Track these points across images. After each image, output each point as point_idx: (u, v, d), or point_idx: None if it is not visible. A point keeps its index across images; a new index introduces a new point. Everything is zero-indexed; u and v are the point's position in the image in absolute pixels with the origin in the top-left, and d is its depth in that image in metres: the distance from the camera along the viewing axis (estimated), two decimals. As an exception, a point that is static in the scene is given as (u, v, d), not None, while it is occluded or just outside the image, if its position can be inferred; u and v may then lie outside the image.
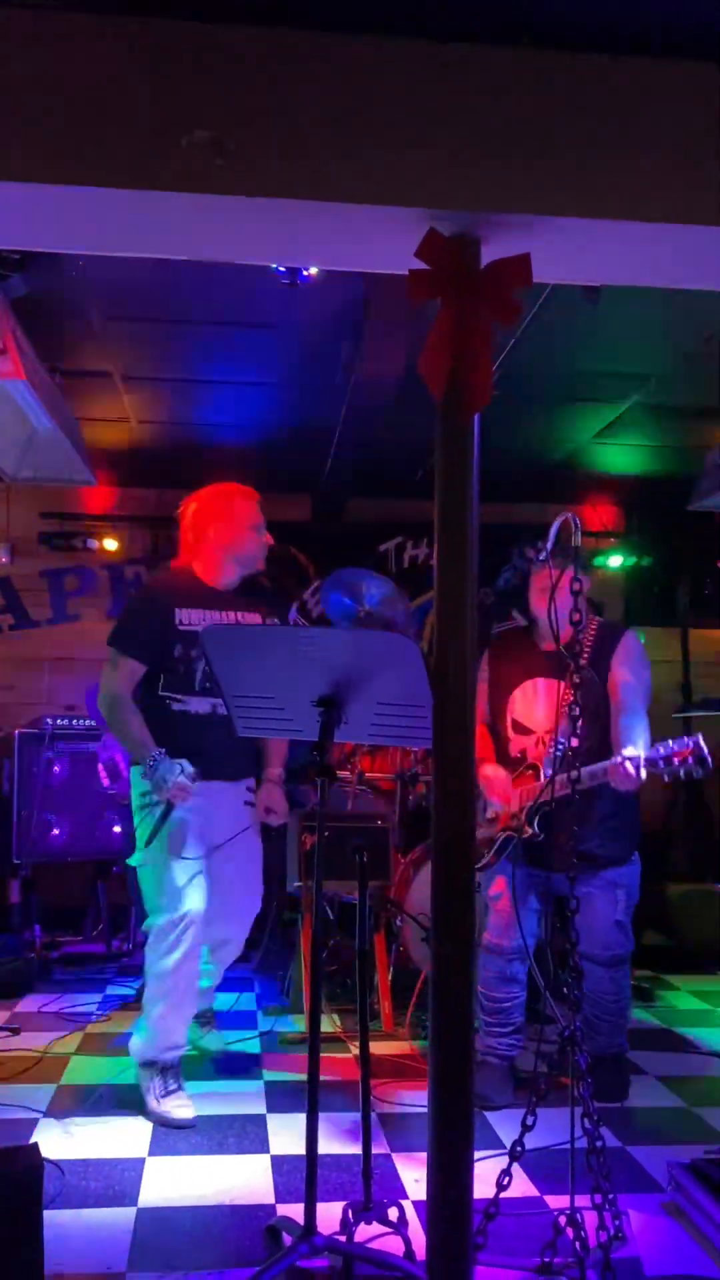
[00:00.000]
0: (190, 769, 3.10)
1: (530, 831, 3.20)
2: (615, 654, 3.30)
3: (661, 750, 2.92)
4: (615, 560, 6.36)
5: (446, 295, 2.15)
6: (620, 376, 4.47)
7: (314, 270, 3.15)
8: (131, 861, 3.29)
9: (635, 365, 4.34)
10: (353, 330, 3.87)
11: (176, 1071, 3.20)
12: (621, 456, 5.68)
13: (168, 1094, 3.14)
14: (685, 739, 2.90)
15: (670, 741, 2.93)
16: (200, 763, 3.16)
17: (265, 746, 3.48)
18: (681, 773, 2.88)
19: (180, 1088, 3.17)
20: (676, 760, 2.87)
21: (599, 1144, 2.31)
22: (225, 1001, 4.25)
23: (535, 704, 3.37)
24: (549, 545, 2.49)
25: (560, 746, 3.12)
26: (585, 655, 3.22)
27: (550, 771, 3.14)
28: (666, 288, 2.57)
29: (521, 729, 3.40)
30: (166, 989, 3.14)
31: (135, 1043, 3.24)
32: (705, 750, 2.87)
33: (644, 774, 2.91)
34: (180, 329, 4.08)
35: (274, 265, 3.10)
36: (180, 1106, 3.11)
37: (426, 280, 2.14)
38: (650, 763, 2.91)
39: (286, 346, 4.20)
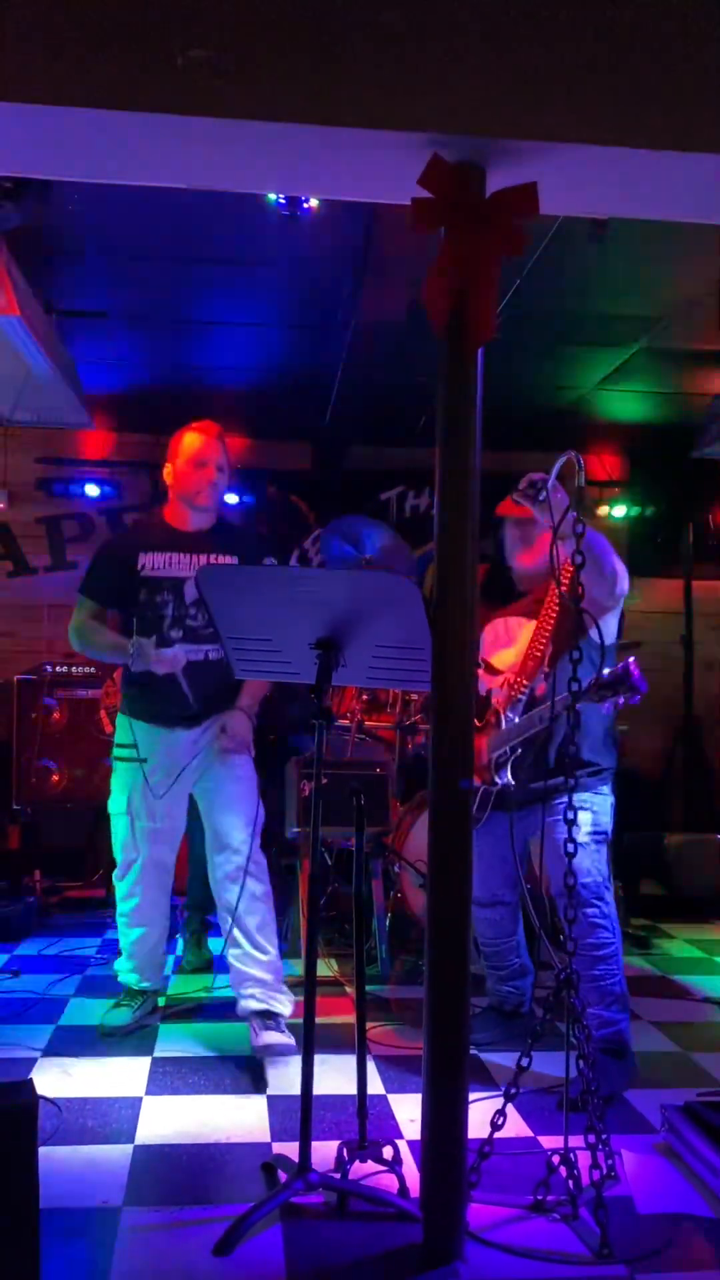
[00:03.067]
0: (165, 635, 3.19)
1: (500, 781, 3.07)
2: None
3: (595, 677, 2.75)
4: (618, 510, 6.30)
5: (451, 224, 2.09)
6: (625, 320, 4.39)
7: (314, 202, 3.07)
8: (109, 808, 3.41)
9: (642, 307, 4.26)
10: (355, 268, 3.79)
11: (132, 993, 3.42)
12: (626, 403, 5.61)
13: (116, 1005, 3.40)
14: (618, 665, 2.75)
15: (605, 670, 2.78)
16: (167, 708, 3.25)
17: (241, 692, 3.37)
18: (621, 700, 2.73)
19: (126, 1005, 3.38)
20: (608, 690, 2.72)
21: (593, 1086, 2.32)
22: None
23: (506, 644, 3.21)
24: (550, 484, 2.44)
25: (527, 692, 3.05)
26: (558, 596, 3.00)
27: (511, 717, 3.06)
28: (677, 222, 2.50)
29: (490, 669, 3.22)
30: (126, 928, 3.39)
31: (116, 964, 3.49)
32: (637, 674, 2.71)
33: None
34: (179, 267, 4.00)
35: (273, 196, 3.02)
36: (112, 1016, 3.35)
37: (430, 209, 2.08)
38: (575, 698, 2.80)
39: (287, 285, 4.12)
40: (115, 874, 3.41)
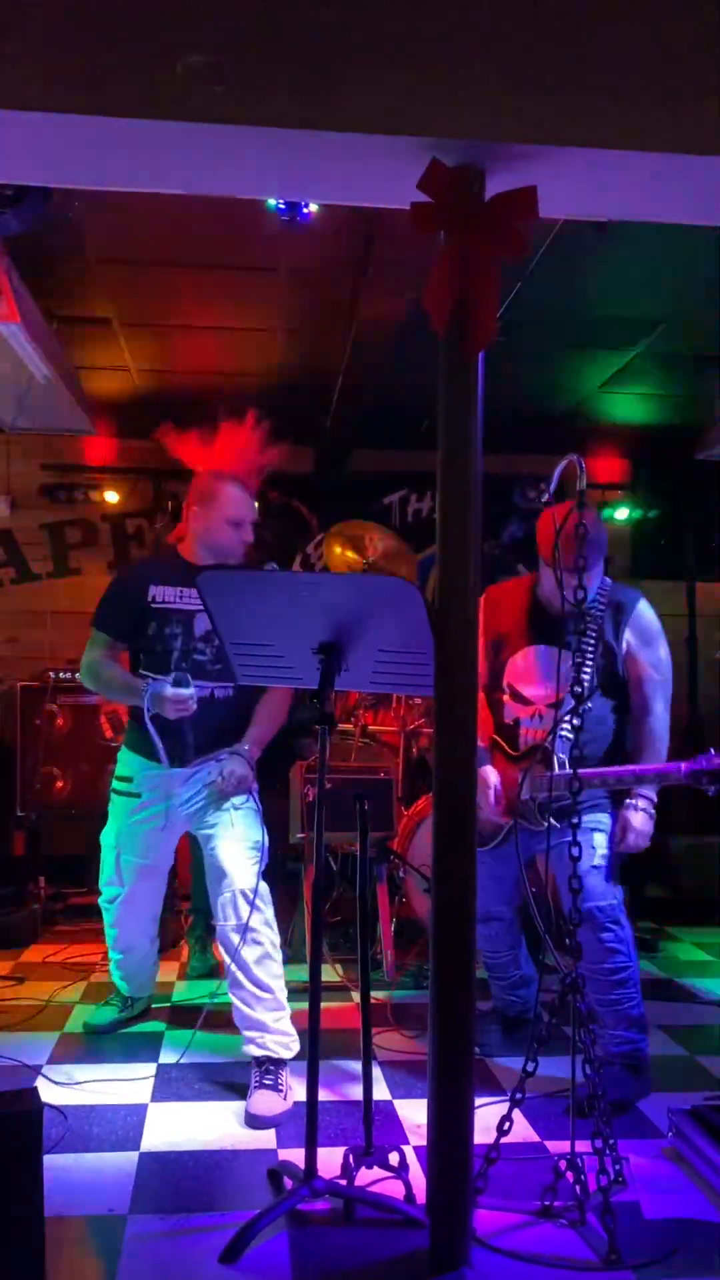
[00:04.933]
0: (181, 677, 3.05)
1: (547, 824, 2.91)
2: (630, 630, 3.03)
3: (705, 763, 2.71)
4: (621, 513, 6.30)
5: (450, 228, 2.09)
6: (628, 322, 4.39)
7: (314, 207, 3.08)
8: (100, 837, 3.38)
9: (644, 310, 4.25)
10: (355, 272, 3.79)
11: (121, 996, 3.56)
12: (628, 406, 5.60)
13: (105, 1003, 3.58)
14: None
15: (713, 753, 2.73)
16: (172, 744, 3.12)
17: (251, 724, 3.22)
18: (711, 790, 2.69)
19: (114, 1004, 3.56)
20: (710, 778, 2.69)
21: (600, 1090, 2.31)
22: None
23: (536, 672, 3.09)
24: (552, 488, 2.44)
25: (567, 728, 2.92)
26: (594, 624, 3.00)
27: (561, 755, 2.92)
28: (678, 225, 2.50)
29: (520, 698, 3.13)
30: (112, 949, 3.46)
31: (110, 967, 3.58)
32: None
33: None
34: (180, 273, 4.00)
35: (272, 202, 3.03)
36: (97, 1014, 3.53)
37: (430, 213, 2.09)
38: (693, 776, 2.72)
39: (288, 290, 4.12)
40: (101, 899, 3.40)
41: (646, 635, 3.06)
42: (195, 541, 3.25)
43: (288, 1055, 2.97)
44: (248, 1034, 2.99)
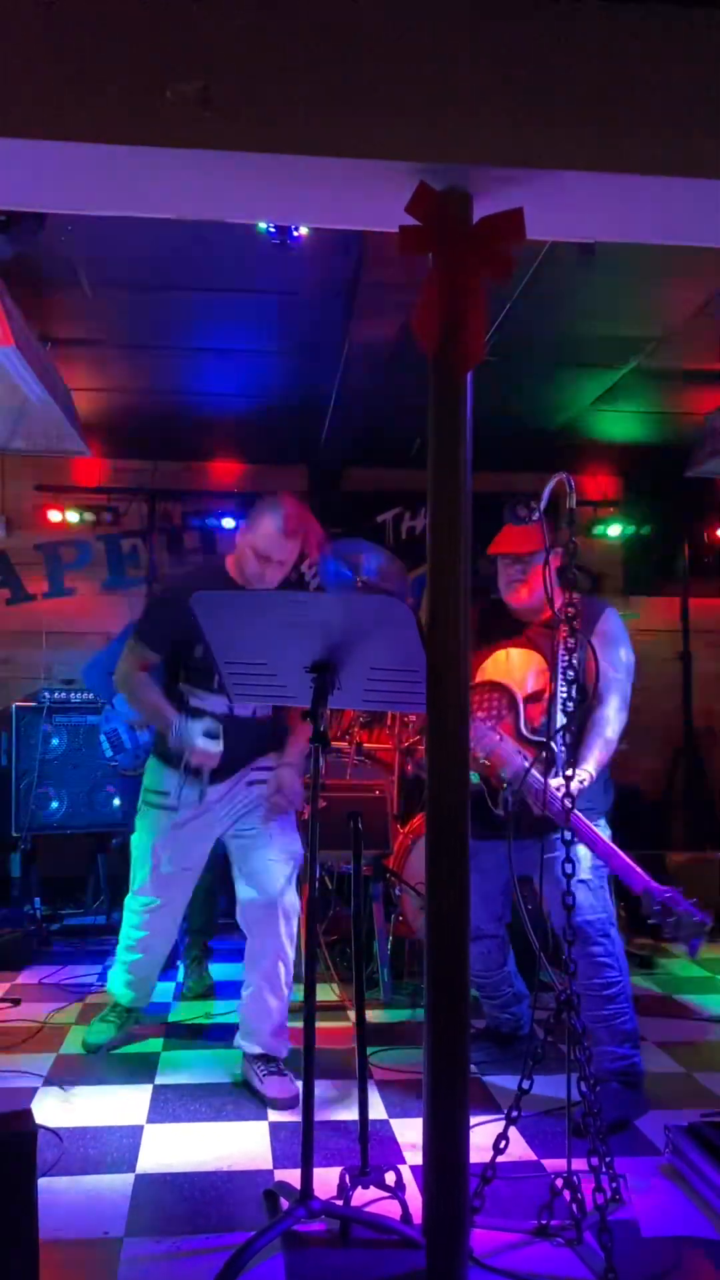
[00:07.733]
0: (213, 727, 3.06)
1: (501, 814, 2.98)
2: (595, 638, 3.07)
3: (667, 894, 2.72)
4: (614, 529, 6.33)
5: (438, 251, 2.11)
6: (618, 340, 4.42)
7: (304, 230, 3.11)
8: (132, 848, 3.38)
9: (633, 328, 4.29)
10: (346, 293, 3.82)
11: (119, 1010, 3.51)
12: (619, 423, 5.64)
13: (102, 1019, 3.51)
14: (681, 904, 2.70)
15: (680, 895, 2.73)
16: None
17: (288, 738, 3.27)
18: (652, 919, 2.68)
19: (111, 1020, 3.49)
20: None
21: (596, 1108, 2.31)
22: (233, 971, 4.27)
23: (507, 674, 3.13)
24: (542, 506, 2.45)
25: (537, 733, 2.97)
26: (564, 631, 2.93)
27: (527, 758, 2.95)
28: (664, 245, 2.52)
29: None
30: (129, 950, 3.42)
31: (109, 975, 3.58)
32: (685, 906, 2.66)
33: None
34: (172, 295, 4.03)
35: (263, 225, 3.06)
36: (94, 1032, 3.46)
37: (418, 236, 2.10)
38: (646, 894, 2.72)
39: (280, 311, 4.15)
40: (129, 903, 3.39)
41: (607, 639, 3.12)
42: (237, 562, 3.19)
43: (283, 1053, 3.13)
44: (248, 1032, 3.15)
